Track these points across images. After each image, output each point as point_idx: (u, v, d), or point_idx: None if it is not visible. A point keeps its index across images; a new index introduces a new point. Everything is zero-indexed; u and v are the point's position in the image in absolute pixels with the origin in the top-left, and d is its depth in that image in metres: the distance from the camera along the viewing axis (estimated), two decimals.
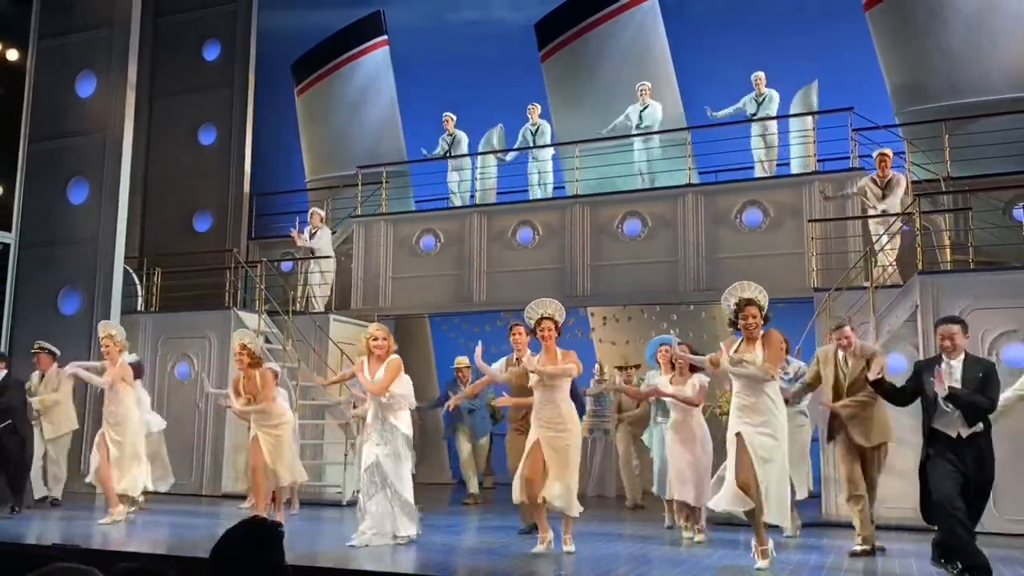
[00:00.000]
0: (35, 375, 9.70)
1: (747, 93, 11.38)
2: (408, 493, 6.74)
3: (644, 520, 8.41)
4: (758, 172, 11.12)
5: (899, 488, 7.50)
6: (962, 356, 5.64)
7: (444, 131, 12.71)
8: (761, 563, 5.76)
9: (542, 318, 6.58)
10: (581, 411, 9.12)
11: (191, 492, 10.98)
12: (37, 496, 9.58)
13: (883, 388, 6.01)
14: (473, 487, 10.57)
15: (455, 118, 12.69)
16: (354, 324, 11.80)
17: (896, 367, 8.09)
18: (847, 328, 6.80)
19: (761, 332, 5.99)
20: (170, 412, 10.65)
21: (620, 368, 10.64)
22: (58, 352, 9.59)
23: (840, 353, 6.76)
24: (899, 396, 5.98)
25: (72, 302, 11.89)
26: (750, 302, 5.99)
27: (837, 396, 6.69)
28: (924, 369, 5.75)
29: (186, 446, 11.10)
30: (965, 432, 5.45)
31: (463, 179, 12.51)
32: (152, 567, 2.46)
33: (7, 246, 12.24)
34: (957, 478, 5.40)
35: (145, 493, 9.01)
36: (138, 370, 9.41)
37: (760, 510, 5.73)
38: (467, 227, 11.85)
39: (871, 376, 6.00)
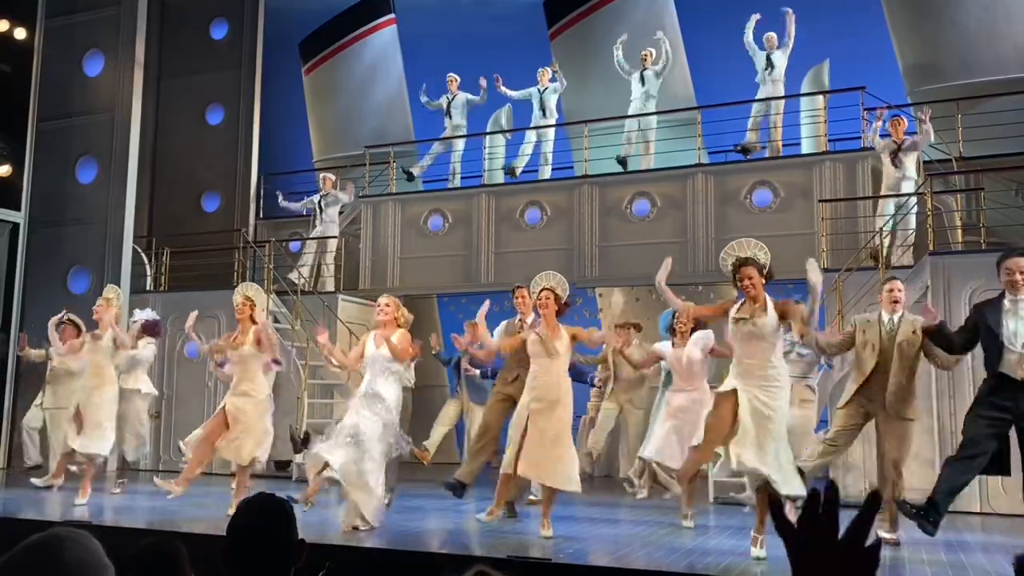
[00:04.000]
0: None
1: (756, 75, 11.24)
2: (377, 470, 6.31)
3: (646, 502, 8.39)
4: (749, 139, 10.97)
5: (916, 471, 7.44)
6: None
7: (447, 91, 12.61)
8: (756, 551, 5.45)
9: (542, 289, 6.57)
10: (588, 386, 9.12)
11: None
12: (30, 464, 9.62)
13: (942, 334, 5.70)
14: (431, 444, 9.76)
15: (459, 79, 12.57)
16: (362, 304, 11.81)
17: None
18: (899, 281, 6.41)
19: (772, 299, 5.58)
20: (179, 391, 10.70)
21: (618, 327, 10.33)
22: (84, 327, 9.51)
23: (885, 315, 6.17)
24: (959, 342, 5.64)
25: (81, 281, 11.93)
26: (746, 262, 5.56)
27: (879, 362, 6.03)
28: (986, 309, 5.50)
29: (194, 424, 11.00)
30: None
31: (454, 149, 12.43)
32: (163, 545, 2.46)
33: (16, 225, 12.27)
34: (994, 425, 5.24)
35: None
36: (155, 328, 9.41)
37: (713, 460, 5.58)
38: (475, 207, 11.81)
39: (926, 323, 5.73)
